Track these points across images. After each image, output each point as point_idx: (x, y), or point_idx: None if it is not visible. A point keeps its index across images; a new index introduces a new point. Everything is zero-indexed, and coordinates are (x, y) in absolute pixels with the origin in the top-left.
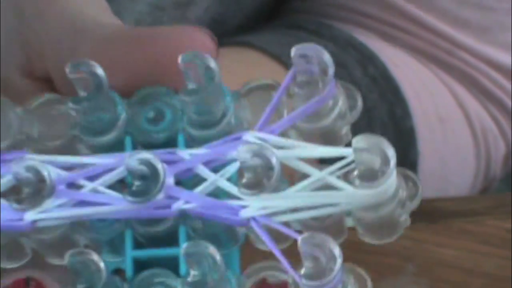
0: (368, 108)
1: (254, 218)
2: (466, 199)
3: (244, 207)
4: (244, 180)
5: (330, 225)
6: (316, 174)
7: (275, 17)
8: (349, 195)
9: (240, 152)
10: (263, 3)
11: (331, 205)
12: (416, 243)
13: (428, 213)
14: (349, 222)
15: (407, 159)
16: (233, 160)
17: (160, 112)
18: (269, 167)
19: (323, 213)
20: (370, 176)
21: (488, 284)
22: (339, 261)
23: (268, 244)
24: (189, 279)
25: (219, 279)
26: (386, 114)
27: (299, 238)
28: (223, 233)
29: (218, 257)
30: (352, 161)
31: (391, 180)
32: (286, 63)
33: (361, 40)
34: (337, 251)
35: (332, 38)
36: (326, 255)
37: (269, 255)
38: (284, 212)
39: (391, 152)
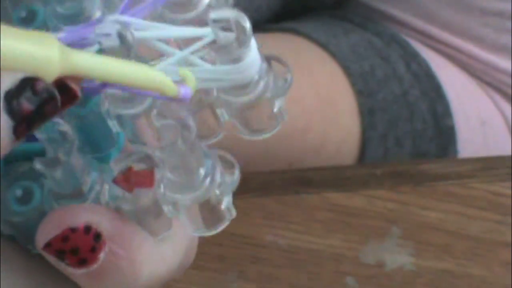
0: (410, 103)
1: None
2: (451, 162)
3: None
4: None
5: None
6: (177, 54)
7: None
8: (208, 71)
9: (98, 33)
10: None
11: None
12: (401, 205)
13: (413, 175)
14: (225, 115)
15: (446, 157)
16: (93, 43)
17: (31, 12)
18: (127, 47)
19: None
20: (227, 51)
21: (474, 246)
22: (193, 129)
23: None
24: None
25: (73, 157)
26: (427, 111)
27: (154, 112)
28: (98, 132)
29: (69, 131)
30: (213, 41)
31: (252, 58)
32: (333, 52)
33: (405, 38)
34: (191, 123)
35: (377, 33)
36: (180, 126)
37: None
38: None
39: (247, 25)
